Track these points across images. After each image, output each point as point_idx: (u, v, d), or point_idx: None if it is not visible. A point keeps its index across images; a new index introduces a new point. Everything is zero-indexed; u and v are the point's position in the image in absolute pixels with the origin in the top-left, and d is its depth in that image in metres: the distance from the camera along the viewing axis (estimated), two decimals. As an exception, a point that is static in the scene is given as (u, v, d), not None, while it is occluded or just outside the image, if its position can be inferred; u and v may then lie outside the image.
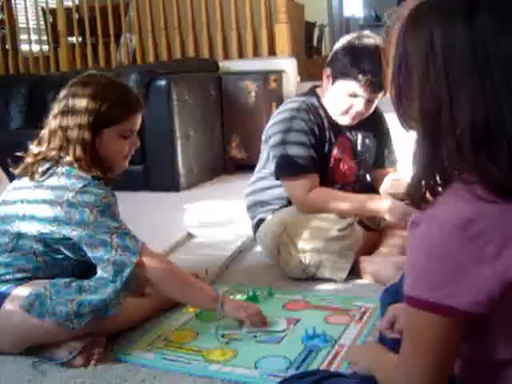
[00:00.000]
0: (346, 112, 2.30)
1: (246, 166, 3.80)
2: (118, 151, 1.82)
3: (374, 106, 2.33)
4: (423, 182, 0.95)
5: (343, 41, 2.31)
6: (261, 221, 2.45)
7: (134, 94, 1.86)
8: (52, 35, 5.79)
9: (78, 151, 1.72)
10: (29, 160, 1.77)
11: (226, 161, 4.56)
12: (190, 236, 2.87)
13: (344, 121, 2.34)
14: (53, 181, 1.71)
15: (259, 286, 2.14)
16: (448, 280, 0.89)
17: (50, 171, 1.72)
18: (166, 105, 3.98)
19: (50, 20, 5.90)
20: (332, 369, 1.53)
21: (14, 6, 5.91)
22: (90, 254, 1.67)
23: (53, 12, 5.82)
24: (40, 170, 1.73)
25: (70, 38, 5.71)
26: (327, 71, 2.31)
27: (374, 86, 2.21)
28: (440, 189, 0.94)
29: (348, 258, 2.19)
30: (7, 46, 5.89)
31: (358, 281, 2.19)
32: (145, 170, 4.08)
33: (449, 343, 0.92)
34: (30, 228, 1.69)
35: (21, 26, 6.11)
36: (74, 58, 5.63)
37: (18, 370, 1.62)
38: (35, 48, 5.97)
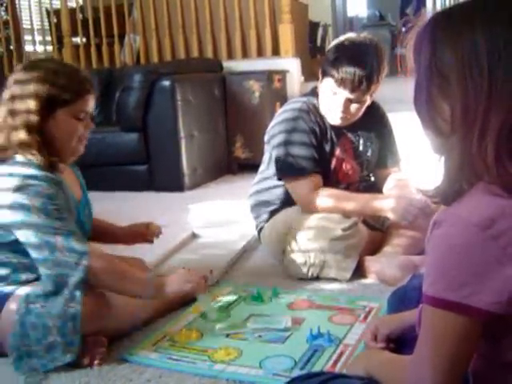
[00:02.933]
0: (331, 111, 2.30)
1: (250, 166, 3.81)
2: (71, 132, 1.78)
3: (361, 107, 2.30)
4: (454, 183, 0.95)
5: (335, 41, 2.32)
6: (265, 221, 2.45)
7: (84, 74, 1.83)
8: (56, 36, 5.80)
9: (23, 135, 1.70)
10: None
11: (230, 161, 4.56)
12: (194, 236, 2.87)
13: (333, 120, 2.33)
14: None
15: (264, 285, 2.13)
16: (469, 280, 0.89)
17: None
18: (170, 105, 3.98)
19: (54, 20, 5.91)
20: (337, 368, 1.53)
21: (18, 6, 5.93)
22: (33, 256, 1.64)
23: (57, 12, 5.84)
24: None
25: (74, 39, 5.71)
26: (319, 70, 2.32)
27: (350, 85, 2.18)
28: (465, 189, 0.94)
29: (352, 257, 2.19)
30: (11, 47, 5.90)
31: (363, 280, 2.19)
32: (149, 170, 4.09)
33: (467, 342, 0.92)
34: None
35: (25, 26, 6.13)
36: (78, 58, 5.63)
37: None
38: (39, 48, 5.99)
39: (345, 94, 2.22)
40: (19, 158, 1.69)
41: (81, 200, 1.90)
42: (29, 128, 1.70)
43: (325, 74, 2.26)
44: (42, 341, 1.58)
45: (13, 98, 1.73)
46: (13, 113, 1.72)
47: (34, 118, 1.70)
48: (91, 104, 1.82)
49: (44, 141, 1.72)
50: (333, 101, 2.26)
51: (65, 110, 1.74)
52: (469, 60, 0.91)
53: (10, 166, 1.69)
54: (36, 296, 1.62)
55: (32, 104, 1.70)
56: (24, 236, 1.64)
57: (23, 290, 1.67)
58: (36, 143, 1.70)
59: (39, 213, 1.62)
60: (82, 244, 1.65)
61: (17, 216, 1.63)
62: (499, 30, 0.90)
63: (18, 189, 1.64)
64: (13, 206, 1.64)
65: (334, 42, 2.32)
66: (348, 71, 2.17)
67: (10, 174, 1.67)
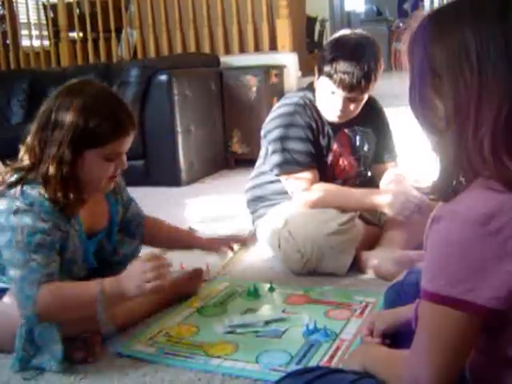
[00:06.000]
0: (329, 109, 2.30)
1: (247, 161, 3.81)
2: (100, 174, 1.67)
3: (359, 104, 2.29)
4: (450, 179, 0.95)
5: (331, 37, 2.31)
6: (261, 216, 2.45)
7: (126, 113, 1.67)
8: (53, 30, 5.79)
9: (52, 170, 1.58)
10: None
11: (227, 156, 4.57)
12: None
13: (330, 118, 2.32)
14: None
15: (260, 281, 2.13)
16: (468, 276, 0.89)
17: (8, 191, 1.60)
18: (167, 100, 3.98)
19: (51, 15, 5.90)
20: (333, 363, 1.54)
21: (14, 1, 5.91)
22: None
23: (53, 7, 5.83)
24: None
25: (70, 33, 5.71)
26: (315, 67, 2.31)
27: (348, 85, 2.17)
28: (463, 185, 0.94)
29: (349, 252, 2.19)
30: (8, 41, 5.89)
31: (359, 275, 2.19)
32: (146, 165, 4.08)
33: (465, 338, 0.92)
34: None
35: (22, 21, 6.11)
36: (74, 53, 5.63)
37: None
38: (36, 43, 5.97)
39: (343, 93, 2.21)
40: (30, 188, 1.58)
41: (100, 231, 1.82)
42: (59, 163, 1.58)
43: (321, 72, 2.25)
44: (43, 351, 1.57)
45: (46, 127, 1.61)
46: (43, 143, 1.61)
47: (66, 154, 1.58)
48: (127, 145, 1.69)
49: (69, 178, 1.60)
50: (331, 100, 2.25)
51: (95, 150, 1.61)
52: (458, 56, 0.91)
53: (21, 189, 1.58)
54: None
55: (66, 137, 1.57)
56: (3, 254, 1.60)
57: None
58: (57, 181, 1.59)
59: (20, 241, 1.55)
60: (33, 286, 1.53)
61: (3, 237, 1.58)
62: (487, 26, 0.90)
63: (16, 212, 1.56)
64: (4, 226, 1.57)
65: (329, 40, 2.32)
66: (346, 72, 2.15)
67: (16, 197, 1.57)
